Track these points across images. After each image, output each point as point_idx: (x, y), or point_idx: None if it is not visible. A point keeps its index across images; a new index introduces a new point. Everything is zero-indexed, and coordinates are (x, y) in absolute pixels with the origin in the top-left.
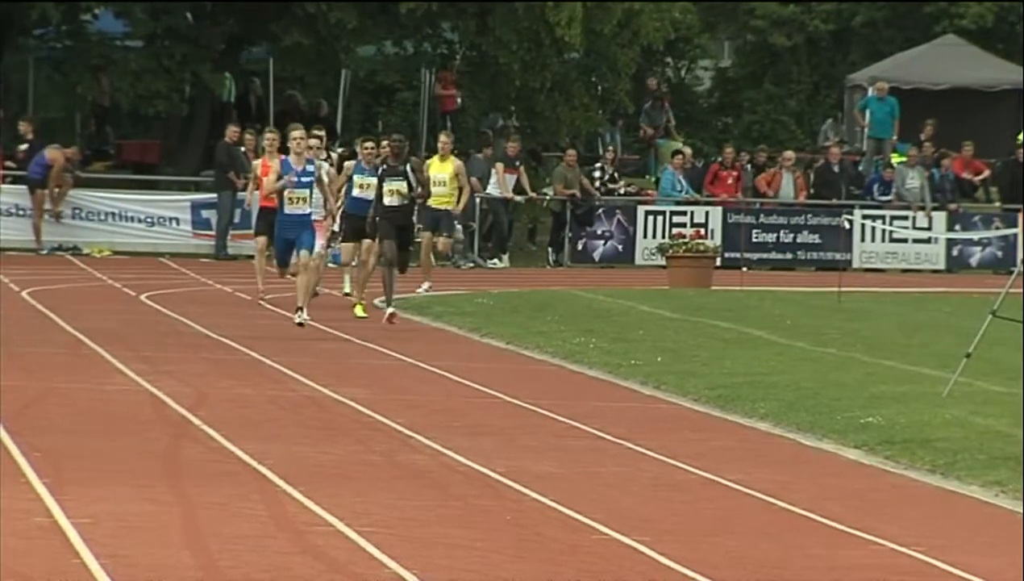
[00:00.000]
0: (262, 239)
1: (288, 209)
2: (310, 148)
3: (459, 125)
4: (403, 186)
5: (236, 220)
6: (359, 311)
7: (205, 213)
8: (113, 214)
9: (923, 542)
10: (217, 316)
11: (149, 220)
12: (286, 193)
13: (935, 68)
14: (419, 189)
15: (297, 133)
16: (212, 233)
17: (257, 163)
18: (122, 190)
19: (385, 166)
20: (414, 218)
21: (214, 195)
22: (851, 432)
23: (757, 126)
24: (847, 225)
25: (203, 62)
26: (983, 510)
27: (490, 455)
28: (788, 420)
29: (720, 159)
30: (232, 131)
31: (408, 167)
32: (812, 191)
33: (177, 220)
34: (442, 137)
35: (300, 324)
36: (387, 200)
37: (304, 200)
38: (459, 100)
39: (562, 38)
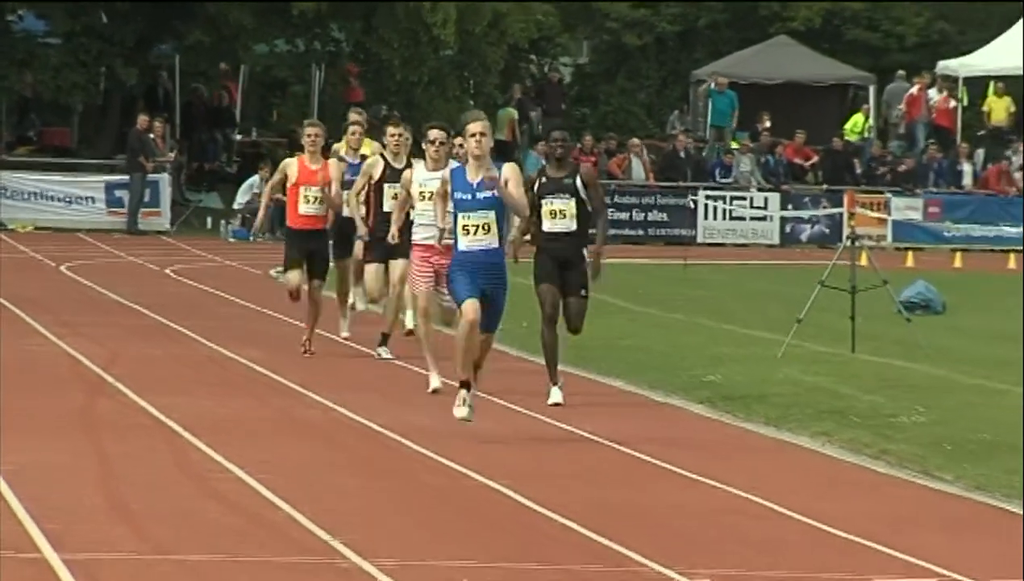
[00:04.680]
0: (293, 276)
1: (465, 243)
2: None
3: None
4: (572, 206)
5: (146, 199)
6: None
7: (118, 193)
8: (36, 194)
9: (761, 487)
10: (128, 285)
11: (68, 199)
12: (459, 221)
13: (769, 65)
14: (595, 210)
15: (477, 126)
16: (124, 211)
17: (290, 162)
18: (44, 172)
19: (544, 178)
20: (585, 253)
21: (126, 177)
22: (695, 389)
23: (612, 116)
24: (692, 205)
25: (116, 57)
26: (813, 458)
27: (373, 410)
28: (639, 378)
29: (580, 145)
30: (142, 119)
31: (578, 179)
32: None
33: (93, 199)
34: (353, 115)
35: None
36: (548, 224)
37: (487, 228)
38: (362, 92)
39: (438, 37)
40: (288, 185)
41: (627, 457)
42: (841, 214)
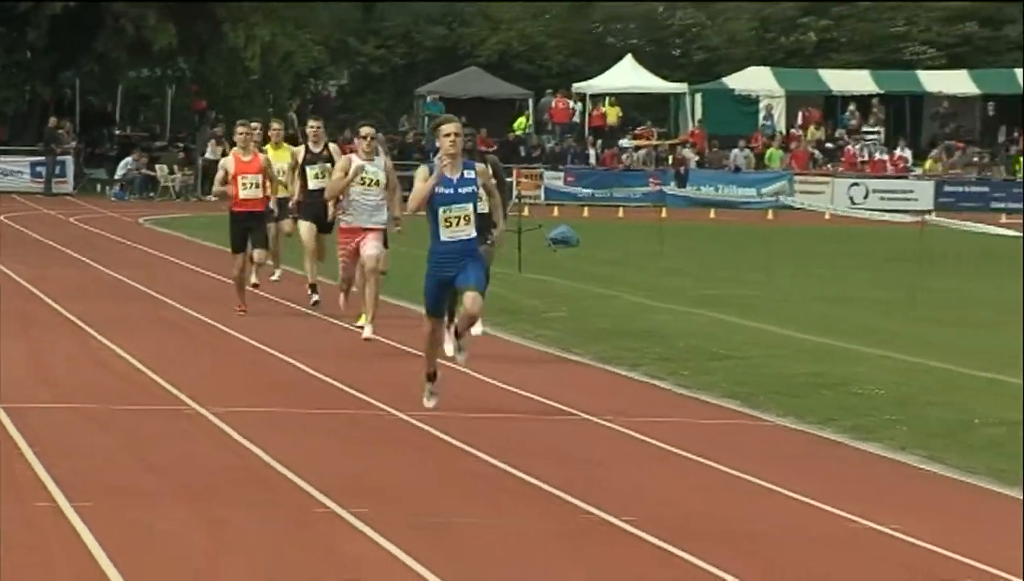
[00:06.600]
0: (240, 258)
1: (445, 234)
2: (464, 138)
3: (203, 120)
4: (482, 191)
5: (56, 172)
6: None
7: (38, 168)
8: None
9: (513, 380)
10: (47, 230)
11: (4, 172)
12: (440, 213)
13: (465, 86)
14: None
15: (451, 127)
16: (42, 180)
17: (227, 160)
18: None
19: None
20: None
21: (43, 157)
22: (409, 296)
23: (362, 119)
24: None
25: (36, 80)
26: (492, 341)
27: (213, 313)
28: (405, 293)
29: (343, 138)
30: (53, 121)
31: (489, 167)
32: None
33: (22, 172)
34: (273, 124)
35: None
36: None
37: (467, 219)
38: (205, 103)
39: (249, 66)
40: (229, 178)
41: (381, 343)
42: (512, 182)
